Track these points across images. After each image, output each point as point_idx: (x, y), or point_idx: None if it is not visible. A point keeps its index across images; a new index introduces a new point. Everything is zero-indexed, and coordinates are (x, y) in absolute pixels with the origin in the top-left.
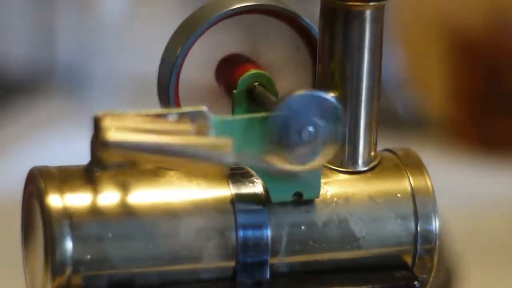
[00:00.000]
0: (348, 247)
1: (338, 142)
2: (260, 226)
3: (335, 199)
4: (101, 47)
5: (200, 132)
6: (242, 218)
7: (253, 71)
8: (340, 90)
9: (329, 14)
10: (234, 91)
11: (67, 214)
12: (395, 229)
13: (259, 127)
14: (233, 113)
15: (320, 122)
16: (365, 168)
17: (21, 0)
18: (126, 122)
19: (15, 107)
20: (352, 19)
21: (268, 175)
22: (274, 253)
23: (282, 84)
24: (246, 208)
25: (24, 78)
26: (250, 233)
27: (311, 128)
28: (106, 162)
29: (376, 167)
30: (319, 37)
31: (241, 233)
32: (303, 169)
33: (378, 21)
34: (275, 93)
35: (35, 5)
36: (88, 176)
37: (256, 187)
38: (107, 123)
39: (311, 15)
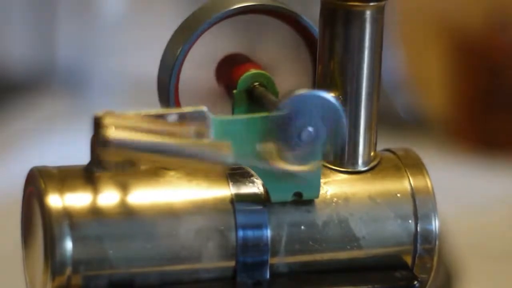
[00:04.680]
0: (348, 247)
1: (338, 142)
2: (260, 226)
3: (335, 199)
4: (101, 48)
5: (200, 132)
6: (242, 218)
7: (253, 71)
8: (340, 90)
9: (329, 14)
10: (234, 91)
11: (67, 214)
12: (395, 229)
13: (259, 127)
14: (233, 113)
15: (320, 122)
16: (365, 168)
17: (21, 0)
18: (126, 122)
19: (15, 107)
20: (352, 19)
21: (268, 175)
22: (274, 253)
23: (282, 84)
24: (246, 208)
25: (24, 78)
26: (250, 233)
27: (311, 128)
28: (106, 161)
29: (376, 167)
30: (319, 37)
31: (241, 233)
32: (303, 169)
33: (378, 21)
34: (275, 93)
35: (35, 5)
36: (88, 176)
37: (256, 187)
38: (107, 121)
39: (311, 15)
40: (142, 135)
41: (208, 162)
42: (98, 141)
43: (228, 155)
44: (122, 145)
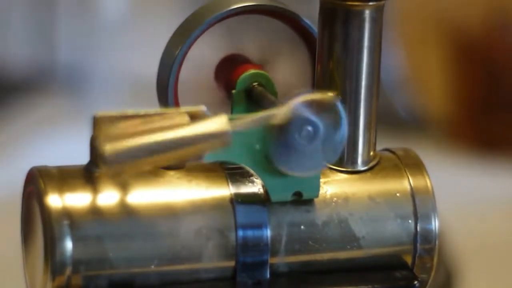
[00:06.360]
0: (348, 247)
1: (338, 142)
2: (259, 226)
3: (335, 198)
4: (101, 47)
5: (194, 116)
6: (241, 218)
7: (252, 71)
8: (340, 90)
9: (328, 14)
10: (233, 91)
11: (67, 214)
12: (395, 229)
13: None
14: (232, 113)
15: (320, 122)
16: (365, 168)
17: (21, 0)
18: (123, 127)
19: (15, 107)
20: (352, 19)
21: (268, 175)
22: (274, 253)
23: (281, 84)
24: (245, 207)
25: (24, 78)
26: (250, 232)
27: (310, 128)
28: (110, 176)
29: (375, 167)
30: (318, 37)
31: (240, 233)
32: (303, 169)
33: (377, 21)
34: (274, 93)
35: (35, 5)
36: (88, 176)
37: (256, 186)
38: (102, 135)
39: (311, 15)
40: (140, 138)
41: (207, 149)
42: (97, 158)
43: (228, 132)
44: (121, 159)
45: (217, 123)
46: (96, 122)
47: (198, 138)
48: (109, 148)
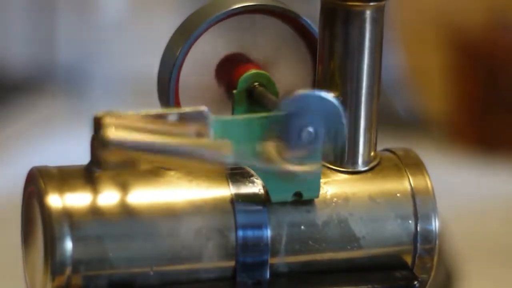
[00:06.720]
0: (348, 247)
1: (338, 142)
2: (260, 226)
3: (335, 199)
4: (101, 47)
5: (200, 133)
6: (242, 218)
7: (253, 71)
8: (340, 90)
9: (329, 14)
10: (234, 91)
11: (67, 214)
12: (395, 229)
13: (259, 127)
14: (233, 113)
15: (320, 123)
16: (365, 168)
17: (21, 0)
18: (126, 122)
19: (15, 107)
20: (352, 19)
21: (268, 175)
22: (274, 253)
23: (282, 84)
24: (246, 208)
25: (24, 78)
26: (250, 233)
27: (311, 128)
28: (106, 161)
29: (376, 167)
30: (319, 37)
31: (241, 233)
32: (303, 169)
33: (378, 21)
34: (275, 93)
35: (35, 5)
36: (88, 176)
37: (256, 187)
38: (107, 122)
39: (312, 15)
40: (142, 135)
41: (208, 162)
42: (98, 141)
43: (228, 155)
44: (122, 145)
45: (220, 152)
46: (97, 121)
47: (196, 158)
48: (112, 132)
